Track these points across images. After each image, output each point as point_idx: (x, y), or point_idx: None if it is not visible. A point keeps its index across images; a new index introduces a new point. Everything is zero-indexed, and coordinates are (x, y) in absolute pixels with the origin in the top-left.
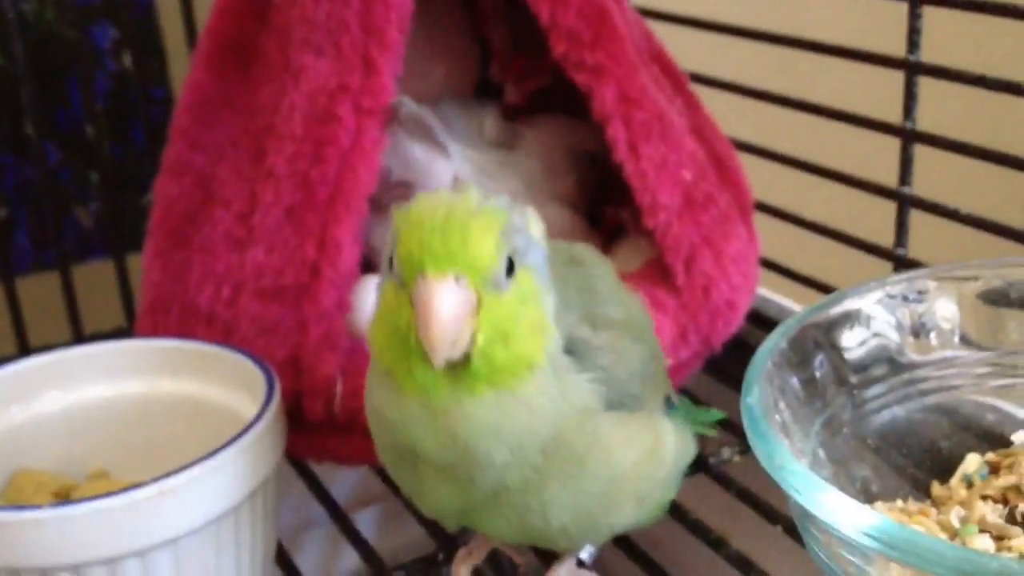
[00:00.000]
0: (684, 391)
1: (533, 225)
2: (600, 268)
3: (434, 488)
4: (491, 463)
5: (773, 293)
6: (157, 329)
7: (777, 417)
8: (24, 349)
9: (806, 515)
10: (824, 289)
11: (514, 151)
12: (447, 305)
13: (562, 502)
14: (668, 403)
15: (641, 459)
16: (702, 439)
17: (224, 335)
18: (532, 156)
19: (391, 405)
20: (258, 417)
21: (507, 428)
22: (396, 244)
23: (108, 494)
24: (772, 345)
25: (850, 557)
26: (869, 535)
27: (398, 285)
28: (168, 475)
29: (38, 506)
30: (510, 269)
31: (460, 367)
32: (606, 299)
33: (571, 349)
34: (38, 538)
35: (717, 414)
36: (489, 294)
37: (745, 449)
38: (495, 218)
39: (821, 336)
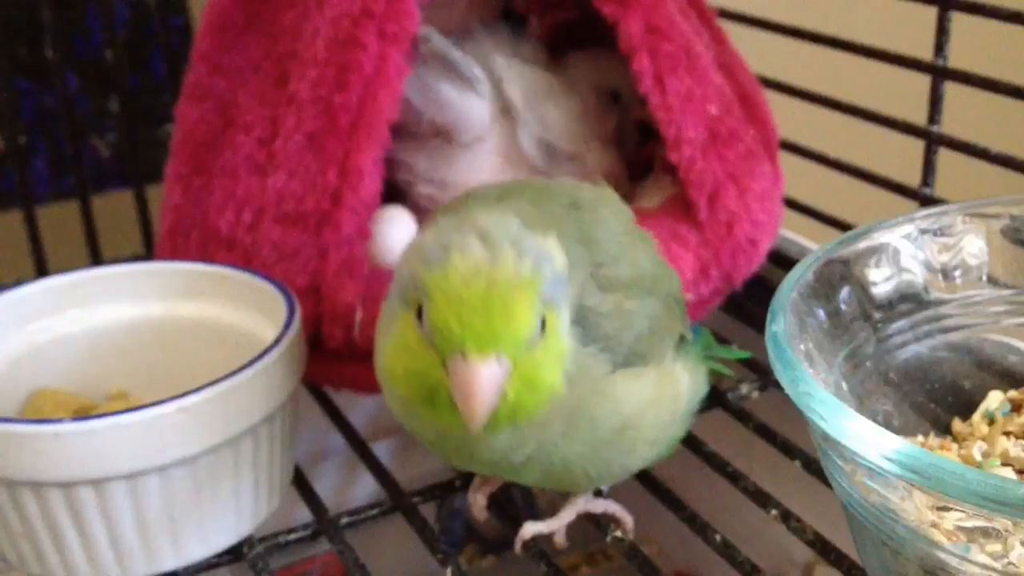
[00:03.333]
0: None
1: (556, 256)
2: (606, 211)
3: (452, 453)
4: (511, 464)
5: (796, 234)
6: (177, 253)
7: (801, 347)
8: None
9: (829, 443)
10: (848, 230)
11: (559, 76)
12: (488, 385)
13: (580, 456)
14: (682, 341)
15: (650, 407)
16: (720, 375)
17: (244, 260)
18: (573, 94)
19: (401, 410)
20: (278, 339)
21: (524, 448)
22: (428, 306)
23: (128, 410)
24: (798, 276)
25: (873, 485)
26: (893, 461)
27: (427, 341)
28: (188, 393)
29: (60, 420)
30: (543, 324)
31: None
32: (610, 251)
33: (578, 319)
34: (59, 452)
35: (741, 353)
36: (522, 356)
37: (764, 385)
38: (534, 285)
39: (847, 269)
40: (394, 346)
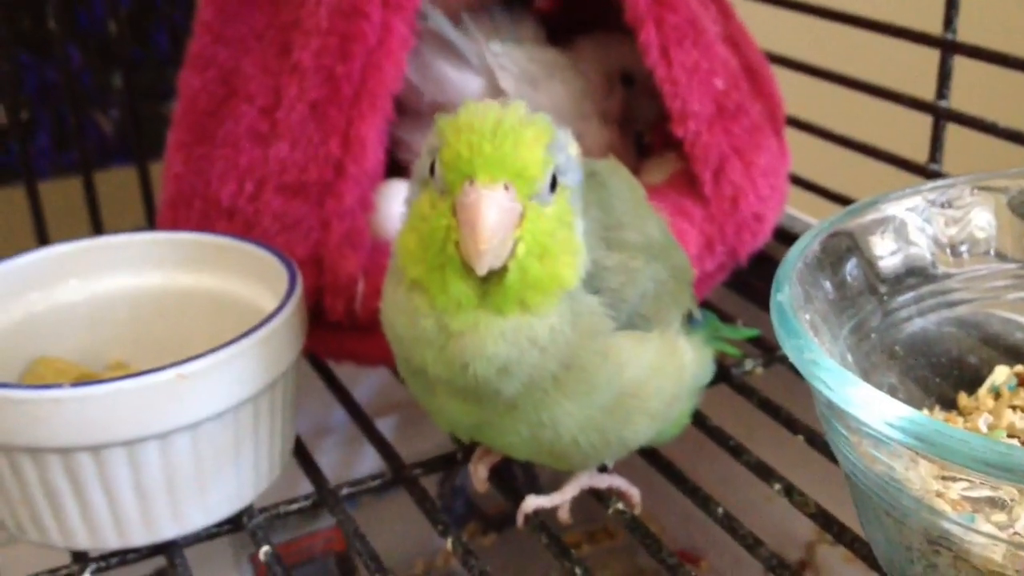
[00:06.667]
0: (709, 306)
1: (571, 146)
2: (620, 183)
3: (446, 403)
4: (501, 394)
5: (802, 211)
6: (178, 223)
7: (807, 317)
8: None
9: (834, 412)
10: None
11: (561, 55)
12: (494, 212)
13: (572, 417)
14: (690, 319)
15: (653, 376)
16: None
17: (245, 230)
18: (577, 71)
19: (405, 323)
20: (280, 308)
21: (518, 368)
22: (440, 149)
23: (128, 376)
24: (805, 246)
25: (877, 454)
26: (899, 428)
27: (438, 193)
28: (188, 360)
29: (59, 386)
30: (553, 185)
31: (494, 282)
32: (622, 219)
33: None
34: (59, 418)
35: (748, 331)
36: (533, 206)
37: (768, 361)
38: (544, 130)
39: (854, 241)
40: (408, 225)
